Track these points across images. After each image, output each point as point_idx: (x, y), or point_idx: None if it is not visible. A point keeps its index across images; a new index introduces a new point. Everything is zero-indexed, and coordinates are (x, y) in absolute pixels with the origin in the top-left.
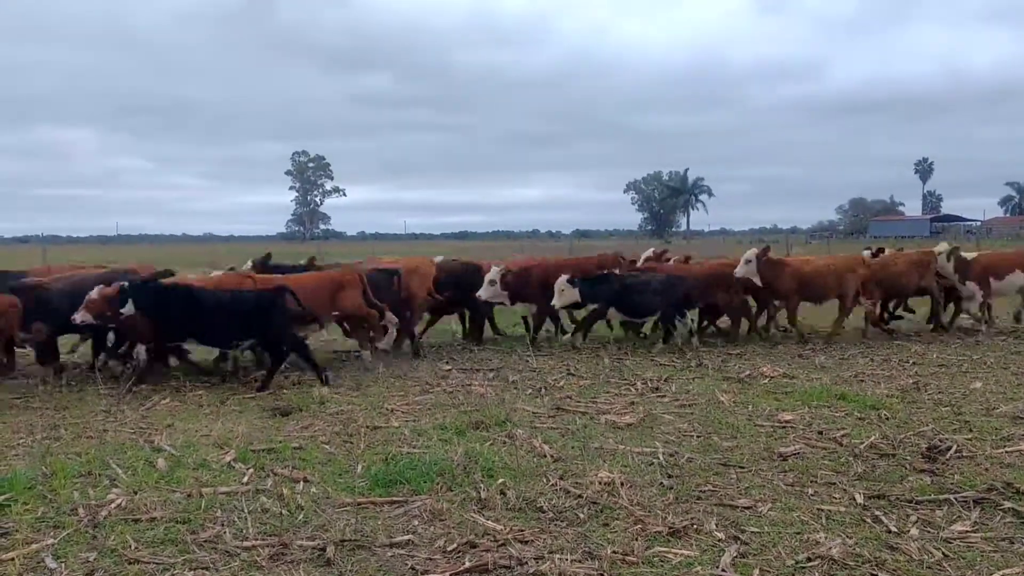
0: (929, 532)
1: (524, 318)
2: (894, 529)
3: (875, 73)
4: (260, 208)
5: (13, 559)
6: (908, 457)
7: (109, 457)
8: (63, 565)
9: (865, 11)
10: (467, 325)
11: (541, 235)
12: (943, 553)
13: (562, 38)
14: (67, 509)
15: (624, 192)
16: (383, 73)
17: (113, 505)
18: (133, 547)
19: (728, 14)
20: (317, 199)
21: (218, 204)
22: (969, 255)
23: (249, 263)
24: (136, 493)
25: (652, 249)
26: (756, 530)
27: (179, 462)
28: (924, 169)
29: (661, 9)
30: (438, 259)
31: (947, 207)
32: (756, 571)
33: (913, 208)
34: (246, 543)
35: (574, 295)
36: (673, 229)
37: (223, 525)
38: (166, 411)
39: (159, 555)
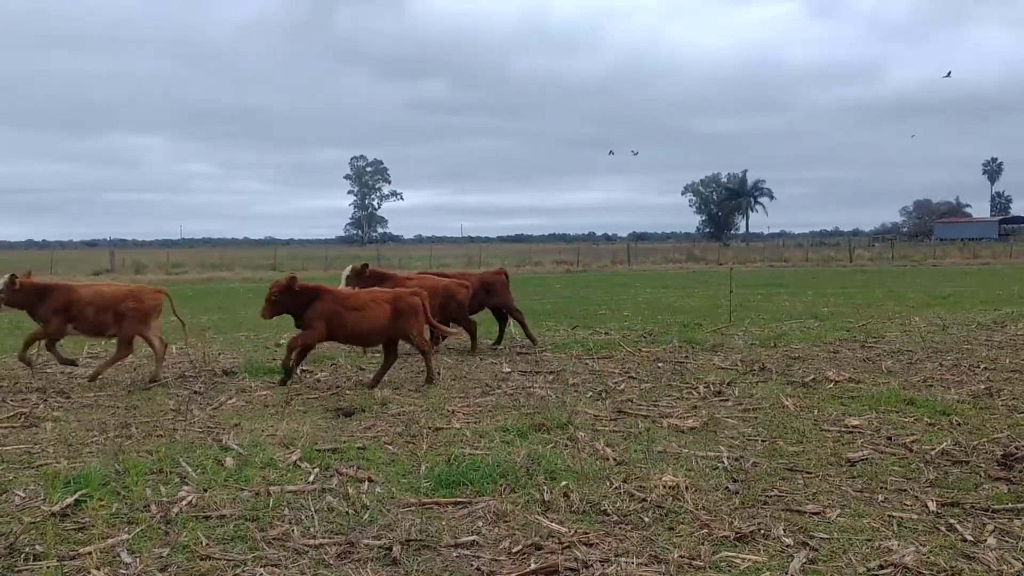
0: (1008, 542)
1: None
2: (970, 538)
3: (934, 75)
4: (320, 212)
5: (90, 553)
6: (982, 464)
7: (179, 455)
8: (137, 560)
9: (920, 13)
10: None
11: (597, 238)
12: (1023, 564)
13: (615, 43)
14: (140, 505)
15: (682, 194)
16: (439, 80)
17: (184, 502)
18: (204, 543)
19: (780, 17)
20: (375, 203)
21: (279, 208)
22: None
23: None
24: (206, 491)
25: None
26: (825, 536)
27: (247, 461)
28: (992, 170)
29: (712, 13)
30: None
31: (1017, 208)
32: None
33: (982, 210)
34: (314, 541)
35: None
36: (732, 231)
37: (291, 523)
38: (232, 411)
39: (230, 552)
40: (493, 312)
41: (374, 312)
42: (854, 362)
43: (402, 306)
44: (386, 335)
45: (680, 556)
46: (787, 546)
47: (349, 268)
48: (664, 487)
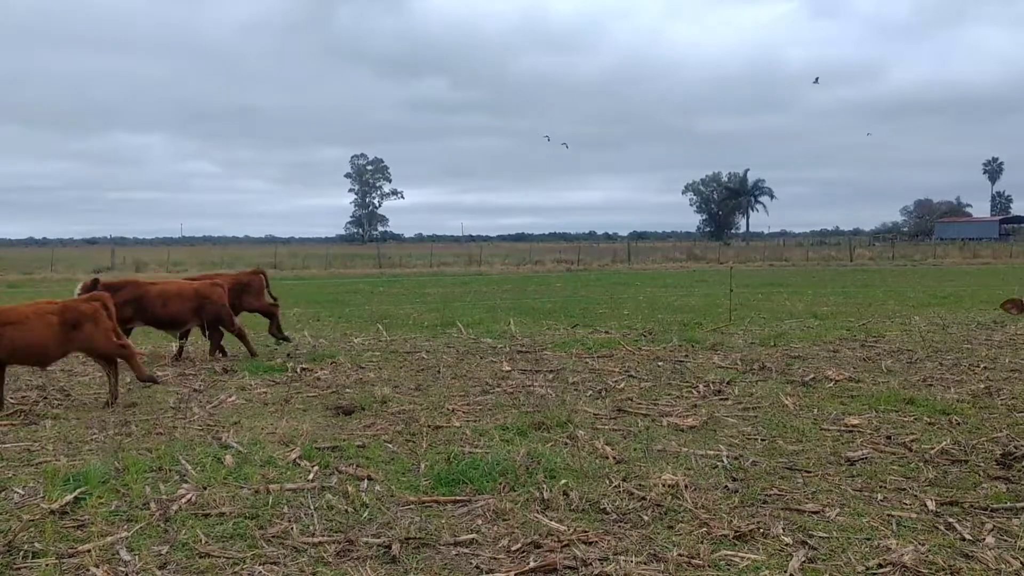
0: (1006, 541)
1: None
2: (969, 537)
3: (934, 75)
4: (321, 211)
5: (89, 550)
6: (981, 464)
7: (179, 453)
8: (137, 557)
9: (920, 13)
10: None
11: (598, 237)
12: (1021, 563)
13: (615, 43)
14: (139, 503)
15: (682, 193)
16: (439, 78)
17: (184, 500)
18: (204, 541)
19: (780, 17)
20: (375, 201)
21: (281, 207)
22: None
23: None
24: (205, 489)
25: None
26: (824, 535)
27: (246, 459)
28: (993, 169)
29: (712, 13)
30: None
31: (1018, 208)
32: None
33: (982, 210)
34: (313, 539)
35: None
36: (732, 231)
37: (290, 521)
38: (232, 409)
39: (229, 549)
40: (261, 313)
41: (36, 326)
42: (854, 361)
43: (72, 317)
44: (59, 350)
45: (679, 555)
46: (786, 545)
47: (80, 285)
48: (663, 486)
